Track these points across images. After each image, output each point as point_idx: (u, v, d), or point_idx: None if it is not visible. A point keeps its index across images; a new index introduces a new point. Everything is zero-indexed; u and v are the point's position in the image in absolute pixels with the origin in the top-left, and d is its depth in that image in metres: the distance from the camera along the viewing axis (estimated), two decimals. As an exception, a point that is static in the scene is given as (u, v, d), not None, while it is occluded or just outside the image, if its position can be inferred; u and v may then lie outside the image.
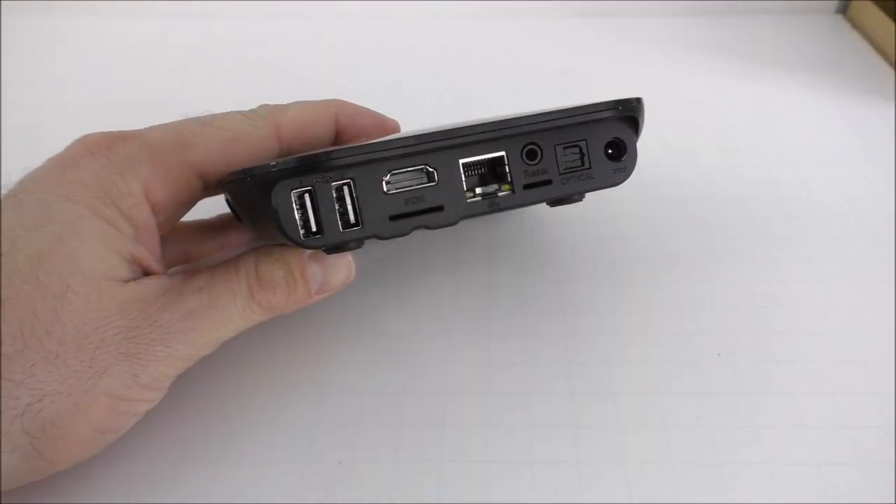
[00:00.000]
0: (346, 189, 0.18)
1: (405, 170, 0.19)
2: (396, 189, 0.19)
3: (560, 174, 0.20)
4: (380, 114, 0.25)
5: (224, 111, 0.22)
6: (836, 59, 0.40)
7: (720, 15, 0.45)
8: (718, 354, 0.23)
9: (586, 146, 0.20)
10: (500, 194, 0.19)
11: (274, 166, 0.17)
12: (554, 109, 0.20)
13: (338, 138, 0.24)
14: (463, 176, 0.19)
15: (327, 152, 0.18)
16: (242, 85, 0.39)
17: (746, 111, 0.36)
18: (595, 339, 0.24)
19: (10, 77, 0.40)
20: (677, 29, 0.44)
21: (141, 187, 0.19)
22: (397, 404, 0.22)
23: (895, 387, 0.22)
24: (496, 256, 0.27)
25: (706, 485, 0.19)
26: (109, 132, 0.20)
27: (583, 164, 0.20)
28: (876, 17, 0.41)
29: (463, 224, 0.20)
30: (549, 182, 0.20)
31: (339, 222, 0.18)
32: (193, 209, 0.22)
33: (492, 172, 0.19)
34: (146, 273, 0.19)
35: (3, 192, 0.19)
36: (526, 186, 0.20)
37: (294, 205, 0.18)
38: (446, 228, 0.19)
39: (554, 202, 0.20)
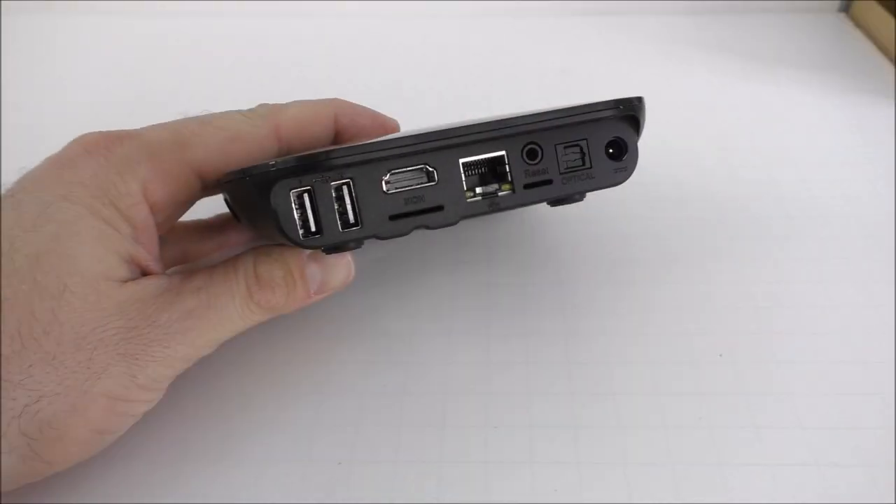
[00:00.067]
0: (345, 189, 0.18)
1: (405, 169, 0.19)
2: (396, 189, 0.19)
3: (560, 174, 0.20)
4: (379, 113, 0.25)
5: (223, 110, 0.22)
6: (839, 58, 0.40)
7: (721, 13, 0.45)
8: (720, 355, 0.23)
9: (587, 146, 0.20)
10: (500, 194, 0.19)
11: (273, 166, 0.17)
12: (554, 109, 0.19)
13: (337, 138, 0.24)
14: (463, 175, 0.19)
15: (326, 152, 0.18)
16: (241, 84, 0.39)
17: (747, 111, 0.36)
18: (595, 339, 0.23)
19: (9, 76, 0.40)
20: (678, 28, 0.44)
21: (139, 187, 0.19)
22: (397, 404, 0.22)
23: (895, 387, 0.22)
24: (496, 256, 0.27)
25: (707, 485, 0.19)
26: (107, 132, 0.20)
27: (583, 164, 0.20)
28: (879, 16, 0.41)
29: (463, 224, 0.20)
30: (549, 182, 0.20)
31: (339, 222, 0.18)
32: (192, 209, 0.22)
33: (492, 172, 0.19)
34: (144, 273, 0.19)
35: (2, 191, 0.19)
36: (526, 186, 0.19)
37: (293, 204, 0.18)
38: (446, 228, 0.19)
39: (554, 202, 0.20)
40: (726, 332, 0.24)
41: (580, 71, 0.40)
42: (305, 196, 0.18)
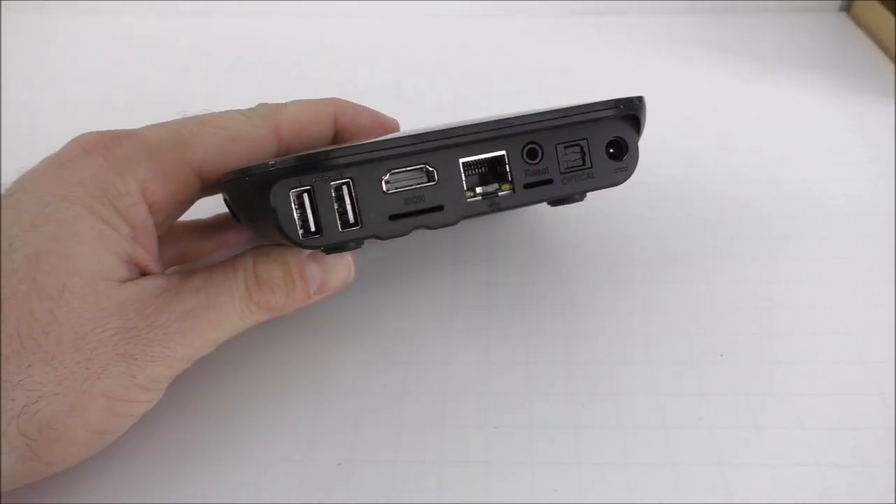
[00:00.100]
0: (345, 188, 0.18)
1: (405, 169, 0.18)
2: (396, 188, 0.18)
3: (561, 173, 0.20)
4: (379, 113, 0.25)
5: (222, 110, 0.21)
6: (839, 57, 0.40)
7: (722, 13, 0.45)
8: (721, 355, 0.23)
9: (587, 145, 0.20)
10: (500, 194, 0.19)
11: (272, 165, 0.17)
12: (555, 108, 0.19)
13: (337, 137, 0.24)
14: (463, 175, 0.19)
15: (326, 151, 0.18)
16: (241, 84, 0.39)
17: (748, 110, 0.36)
18: (595, 339, 0.23)
19: (8, 76, 0.40)
20: (679, 27, 0.44)
21: (138, 187, 0.19)
22: (397, 404, 0.22)
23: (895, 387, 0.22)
24: (496, 256, 0.27)
25: (707, 485, 0.19)
26: (106, 131, 0.20)
27: (584, 164, 0.20)
28: (880, 15, 0.41)
29: (463, 224, 0.19)
30: (549, 181, 0.20)
31: (338, 222, 0.18)
32: (191, 209, 0.22)
33: (492, 172, 0.19)
34: (144, 273, 0.19)
35: (1, 191, 0.19)
36: (526, 186, 0.19)
37: (293, 204, 0.18)
38: (446, 228, 0.19)
39: (555, 202, 0.20)
40: (726, 332, 0.24)
41: (580, 70, 0.40)
42: (305, 196, 0.18)
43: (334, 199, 0.18)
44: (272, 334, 0.24)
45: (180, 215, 0.22)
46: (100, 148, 0.19)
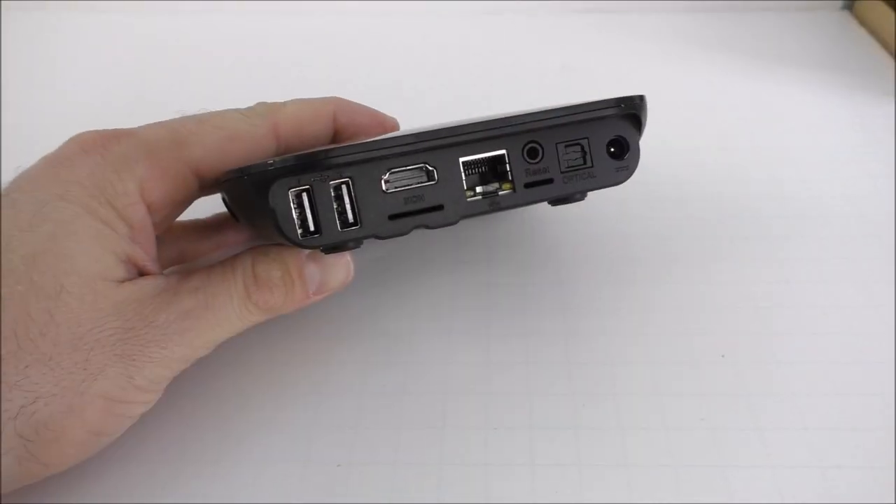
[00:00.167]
0: (344, 188, 0.18)
1: (404, 168, 0.18)
2: (395, 188, 0.18)
3: (561, 173, 0.20)
4: (379, 112, 0.24)
5: (221, 109, 0.21)
6: (841, 55, 0.40)
7: (724, 10, 0.45)
8: (722, 356, 0.23)
9: (588, 144, 0.20)
10: (500, 193, 0.19)
11: (271, 165, 0.17)
12: (555, 107, 0.19)
13: (336, 136, 0.23)
14: (463, 175, 0.19)
15: (325, 150, 0.18)
16: (240, 83, 0.39)
17: (749, 109, 0.36)
18: (596, 340, 0.23)
19: (7, 75, 0.40)
20: (680, 25, 0.43)
21: (136, 186, 0.19)
22: (396, 405, 0.22)
23: (898, 388, 0.21)
24: (496, 256, 0.27)
25: (708, 486, 0.19)
26: (104, 130, 0.19)
27: (585, 163, 0.20)
28: (882, 13, 0.41)
29: (463, 223, 0.19)
30: (550, 181, 0.19)
31: (338, 222, 0.18)
32: (190, 208, 0.22)
33: (492, 171, 0.19)
34: (142, 273, 0.19)
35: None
36: (527, 185, 0.19)
37: (292, 204, 0.17)
38: (446, 228, 0.19)
39: (555, 201, 0.20)
40: (727, 332, 0.23)
41: (581, 69, 0.40)
42: (304, 195, 0.18)
43: (333, 199, 0.18)
44: (271, 335, 0.24)
45: (179, 215, 0.22)
46: (97, 147, 0.19)
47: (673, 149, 0.32)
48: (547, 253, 0.27)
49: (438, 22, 0.45)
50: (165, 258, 0.23)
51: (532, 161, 0.19)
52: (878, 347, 0.23)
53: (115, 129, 0.20)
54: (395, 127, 0.25)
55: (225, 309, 0.19)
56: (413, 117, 0.25)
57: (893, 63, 0.39)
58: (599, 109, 0.19)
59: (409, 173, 0.19)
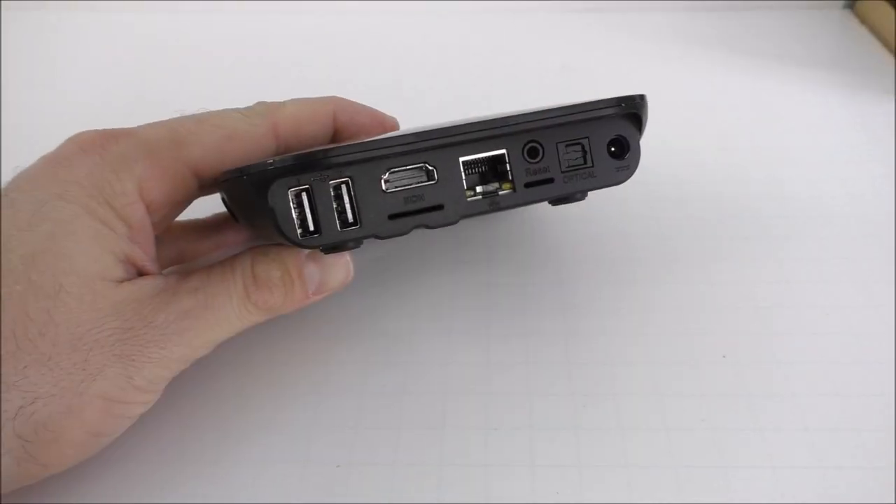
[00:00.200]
0: (344, 188, 0.18)
1: (404, 168, 0.18)
2: (395, 188, 0.18)
3: (562, 172, 0.19)
4: (378, 111, 0.24)
5: (220, 108, 0.21)
6: (843, 54, 0.40)
7: (725, 9, 0.44)
8: (724, 356, 0.23)
9: (588, 144, 0.20)
10: (500, 193, 0.19)
11: (271, 164, 0.17)
12: (556, 106, 0.19)
13: (336, 136, 0.23)
14: (463, 174, 0.19)
15: (325, 150, 0.18)
16: (240, 82, 0.39)
17: (750, 108, 0.35)
18: (596, 340, 0.23)
19: (7, 74, 0.40)
20: (680, 24, 0.43)
21: (135, 186, 0.19)
22: (396, 405, 0.21)
23: (899, 388, 0.21)
24: (496, 256, 0.27)
25: (709, 487, 0.19)
26: (103, 130, 0.19)
27: (585, 163, 0.20)
28: (884, 12, 0.40)
29: (463, 223, 0.19)
30: (550, 180, 0.19)
31: (337, 221, 0.18)
32: (189, 208, 0.22)
33: (492, 171, 0.19)
34: (141, 273, 0.19)
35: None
36: (527, 185, 0.19)
37: (291, 204, 0.17)
38: (446, 228, 0.19)
39: (556, 201, 0.20)
40: (727, 332, 0.23)
41: (582, 68, 0.39)
42: (304, 195, 0.18)
43: (333, 199, 0.18)
44: (270, 335, 0.24)
45: (178, 215, 0.22)
46: (96, 146, 0.19)
47: (673, 148, 0.32)
48: (547, 253, 0.27)
49: (438, 22, 0.45)
50: (164, 258, 0.23)
51: (532, 161, 0.19)
52: (879, 348, 0.23)
53: (114, 129, 0.20)
54: (395, 126, 0.25)
55: (224, 309, 0.19)
56: (413, 117, 0.25)
57: (894, 62, 0.39)
58: (600, 109, 0.19)
59: (408, 173, 0.18)
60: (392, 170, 0.18)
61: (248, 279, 0.19)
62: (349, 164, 0.18)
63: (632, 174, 0.20)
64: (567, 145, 0.19)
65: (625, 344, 0.23)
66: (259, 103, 0.22)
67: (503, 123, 0.19)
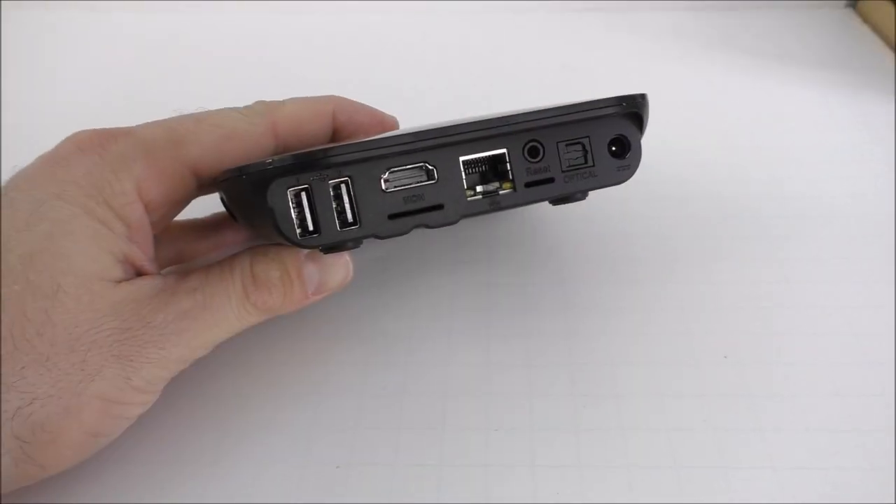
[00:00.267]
0: (343, 187, 0.18)
1: (404, 167, 0.18)
2: (395, 187, 0.18)
3: (562, 172, 0.19)
4: (378, 110, 0.24)
5: (219, 107, 0.21)
6: (845, 53, 0.40)
7: (726, 8, 0.44)
8: (725, 356, 0.22)
9: (589, 143, 0.19)
10: (501, 192, 0.19)
11: (270, 164, 0.17)
12: (556, 106, 0.19)
13: (335, 135, 0.23)
14: (463, 174, 0.19)
15: (324, 150, 0.17)
16: (239, 81, 0.39)
17: (751, 108, 0.35)
18: (597, 340, 0.23)
19: (7, 73, 0.40)
20: (681, 23, 0.43)
21: (134, 186, 0.19)
22: (396, 405, 0.21)
23: (900, 388, 0.21)
24: (496, 256, 0.27)
25: (710, 488, 0.19)
26: (101, 129, 0.19)
27: (586, 162, 0.20)
28: (887, 11, 0.40)
29: (463, 223, 0.19)
30: (551, 180, 0.19)
31: (337, 221, 0.18)
32: (187, 208, 0.22)
33: (493, 170, 0.19)
34: (139, 273, 0.19)
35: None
36: (528, 184, 0.19)
37: (290, 203, 0.17)
38: (446, 227, 0.19)
39: (556, 201, 0.20)
40: (728, 332, 0.23)
41: (582, 67, 0.39)
42: (303, 195, 0.17)
43: (332, 198, 0.18)
44: (270, 335, 0.23)
45: (176, 214, 0.22)
46: (94, 146, 0.19)
47: (674, 148, 0.32)
48: (547, 252, 0.27)
49: (438, 20, 0.45)
50: (163, 258, 0.23)
51: (533, 160, 0.19)
52: (881, 348, 0.23)
53: (113, 128, 0.19)
54: (395, 126, 0.25)
55: (223, 309, 0.19)
56: (413, 116, 0.25)
57: (896, 61, 0.39)
58: (601, 108, 0.19)
59: (408, 172, 0.18)
60: (392, 169, 0.18)
61: (247, 279, 0.19)
62: (349, 163, 0.18)
63: (633, 174, 0.20)
64: (568, 145, 0.19)
65: (626, 344, 0.23)
66: (258, 102, 0.22)
67: (503, 123, 0.18)
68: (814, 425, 0.20)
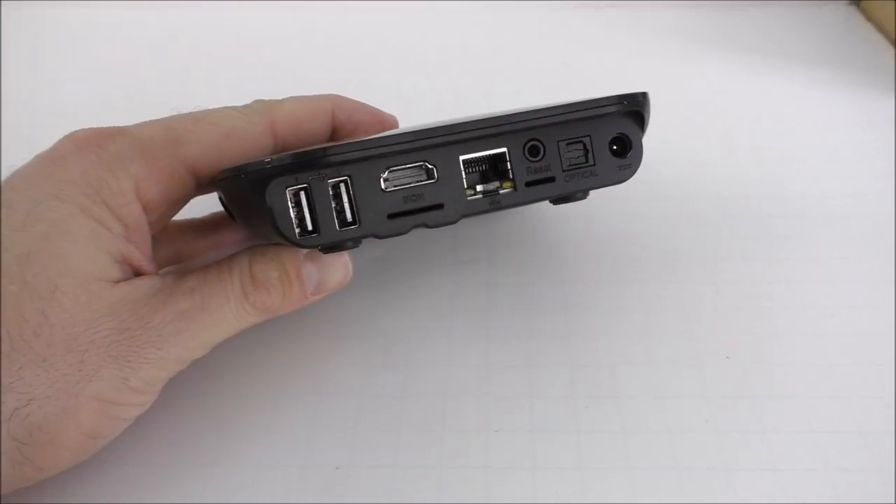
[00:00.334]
0: (342, 186, 0.18)
1: (404, 167, 0.18)
2: (395, 186, 0.18)
3: (563, 171, 0.19)
4: (377, 109, 0.24)
5: (218, 106, 0.21)
6: (848, 51, 0.39)
7: (728, 5, 0.44)
8: (727, 357, 0.22)
9: (590, 142, 0.19)
10: (501, 192, 0.19)
11: (268, 163, 0.17)
12: (557, 104, 0.19)
13: (334, 134, 0.23)
14: (463, 173, 0.19)
15: (323, 149, 0.17)
16: (238, 80, 0.39)
17: (753, 106, 0.35)
18: (598, 340, 0.23)
19: (6, 72, 0.40)
20: (683, 19, 0.43)
21: (132, 185, 0.19)
22: (396, 406, 0.21)
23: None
24: (496, 256, 0.27)
25: (712, 489, 0.19)
26: (98, 128, 0.19)
27: (587, 161, 0.19)
28: (890, 9, 0.40)
29: (463, 222, 0.19)
30: (551, 179, 0.19)
31: (336, 221, 0.18)
32: (186, 207, 0.22)
33: (493, 169, 0.19)
34: (137, 273, 0.19)
35: None
36: (528, 184, 0.19)
37: (289, 203, 0.17)
38: (446, 227, 0.19)
39: (557, 200, 0.20)
40: (730, 332, 0.23)
41: (583, 65, 0.39)
42: (302, 194, 0.17)
43: (332, 198, 0.18)
44: (269, 335, 0.23)
45: (174, 214, 0.22)
46: (92, 145, 0.19)
47: (675, 147, 0.32)
48: (548, 252, 0.27)
49: (438, 18, 0.44)
50: (161, 258, 0.23)
51: (533, 159, 0.19)
52: (882, 348, 0.23)
53: (110, 128, 0.19)
54: (395, 125, 0.25)
55: (221, 310, 0.19)
56: (413, 115, 0.25)
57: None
58: (602, 107, 0.19)
59: (408, 172, 0.18)
60: (391, 168, 0.18)
61: (246, 279, 0.19)
62: (348, 162, 0.17)
63: (634, 173, 0.20)
64: (568, 143, 0.19)
65: (626, 344, 0.23)
66: (257, 101, 0.22)
67: (504, 121, 0.18)
68: (816, 426, 0.20)
